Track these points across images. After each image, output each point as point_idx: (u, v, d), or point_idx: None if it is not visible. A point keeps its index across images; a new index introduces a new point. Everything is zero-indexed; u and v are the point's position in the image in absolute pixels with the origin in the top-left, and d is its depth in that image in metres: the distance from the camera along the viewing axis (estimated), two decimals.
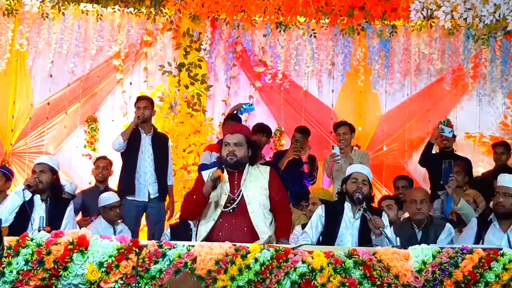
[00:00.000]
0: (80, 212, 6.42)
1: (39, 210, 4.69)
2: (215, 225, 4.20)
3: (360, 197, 4.32)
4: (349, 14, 7.46)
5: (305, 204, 6.17)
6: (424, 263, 3.48)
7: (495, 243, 4.35)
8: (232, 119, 6.35)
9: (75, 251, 3.52)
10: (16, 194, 4.68)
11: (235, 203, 4.21)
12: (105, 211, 5.57)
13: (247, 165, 4.31)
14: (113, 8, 7.64)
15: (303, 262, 3.44)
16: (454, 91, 7.89)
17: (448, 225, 4.88)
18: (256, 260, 3.44)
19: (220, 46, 7.93)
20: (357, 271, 3.45)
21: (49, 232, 3.67)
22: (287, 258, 3.46)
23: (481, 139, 7.69)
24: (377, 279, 3.43)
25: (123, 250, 3.51)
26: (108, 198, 5.61)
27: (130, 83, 7.90)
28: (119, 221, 5.67)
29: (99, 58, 7.88)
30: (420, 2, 5.27)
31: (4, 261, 3.50)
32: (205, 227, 4.24)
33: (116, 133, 6.37)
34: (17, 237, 3.61)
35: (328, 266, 3.43)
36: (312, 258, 3.47)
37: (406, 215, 5.20)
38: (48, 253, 3.51)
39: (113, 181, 6.53)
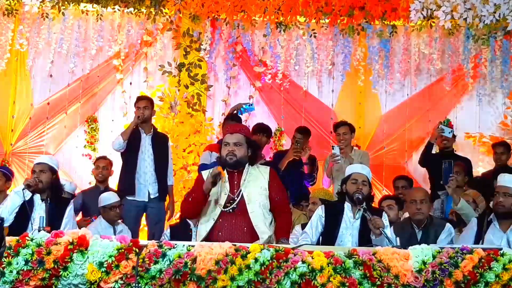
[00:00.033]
0: (80, 212, 6.42)
1: (39, 210, 4.69)
2: (215, 225, 4.20)
3: (360, 197, 4.33)
4: (349, 14, 7.46)
5: (305, 204, 6.17)
6: (424, 263, 3.48)
7: (495, 243, 4.36)
8: (232, 119, 6.35)
9: (75, 251, 3.52)
10: (16, 194, 4.68)
11: (234, 203, 4.21)
12: (105, 211, 5.57)
13: (247, 165, 4.31)
14: (113, 8, 7.64)
15: (303, 262, 3.44)
16: (454, 91, 7.89)
17: (448, 225, 4.88)
18: (256, 260, 3.44)
19: (220, 46, 7.93)
20: (357, 271, 3.45)
21: (49, 232, 3.67)
22: (287, 258, 3.46)
23: (481, 139, 7.69)
24: (377, 279, 3.43)
25: (123, 250, 3.51)
26: (108, 198, 5.61)
27: (130, 83, 7.90)
28: (119, 221, 5.67)
29: (99, 58, 7.88)
30: (420, 2, 5.27)
31: (4, 261, 3.50)
32: (205, 226, 4.24)
33: (116, 133, 6.38)
34: (17, 237, 3.61)
35: (328, 266, 3.43)
36: (312, 258, 3.47)
37: (406, 215, 5.20)
38: (48, 253, 3.51)
39: (113, 181, 6.53)
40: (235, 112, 6.88)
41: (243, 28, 7.77)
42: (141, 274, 3.46)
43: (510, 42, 7.49)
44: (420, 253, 3.53)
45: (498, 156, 6.76)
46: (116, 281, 3.46)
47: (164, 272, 3.45)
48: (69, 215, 4.81)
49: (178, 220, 6.06)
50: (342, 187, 4.56)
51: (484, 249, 3.57)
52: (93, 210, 6.03)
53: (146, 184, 6.01)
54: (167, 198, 6.26)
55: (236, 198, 4.22)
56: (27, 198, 4.65)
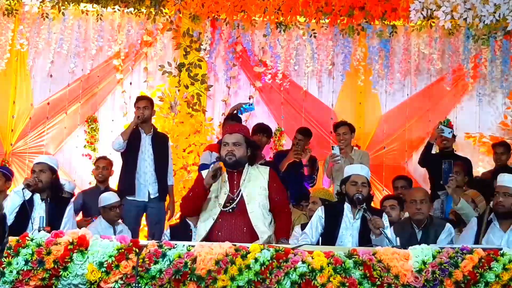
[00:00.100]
0: (81, 212, 6.43)
1: (39, 210, 4.69)
2: (215, 225, 4.20)
3: (360, 197, 4.33)
4: (349, 14, 7.46)
5: (305, 204, 6.18)
6: (424, 263, 3.48)
7: (495, 243, 4.36)
8: (232, 119, 6.35)
9: (75, 251, 3.52)
10: (16, 194, 4.68)
11: (234, 203, 4.21)
12: (105, 211, 5.57)
13: (246, 165, 4.31)
14: (113, 8, 7.64)
15: (303, 262, 3.44)
16: (454, 91, 7.89)
17: (448, 225, 4.88)
18: (256, 260, 3.44)
19: (220, 46, 7.93)
20: (357, 271, 3.45)
21: (49, 232, 3.67)
22: (287, 258, 3.46)
23: (481, 139, 7.69)
24: (377, 279, 3.43)
25: (123, 250, 3.51)
26: (108, 198, 5.61)
27: (130, 83, 7.90)
28: (119, 221, 5.67)
29: (99, 58, 7.88)
30: (420, 2, 5.27)
31: (4, 261, 3.50)
32: (204, 225, 4.24)
33: (116, 133, 6.38)
34: (17, 237, 3.61)
35: (328, 266, 3.43)
36: (312, 258, 3.47)
37: (407, 215, 5.20)
38: (48, 253, 3.50)
39: (114, 181, 6.53)
40: (235, 112, 6.88)
41: (243, 28, 7.77)
42: (141, 274, 3.46)
43: (510, 42, 7.49)
44: (420, 253, 3.53)
45: (498, 156, 6.76)
46: (116, 281, 3.46)
47: (164, 272, 3.45)
48: (69, 214, 4.81)
49: (178, 220, 6.06)
50: (342, 188, 4.56)
51: (484, 249, 3.57)
52: (94, 210, 6.03)
53: (146, 184, 6.01)
54: (167, 198, 6.26)
55: (235, 198, 4.23)
56: (26, 198, 4.65)
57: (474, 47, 7.59)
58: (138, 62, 7.94)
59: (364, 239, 4.24)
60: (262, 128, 6.68)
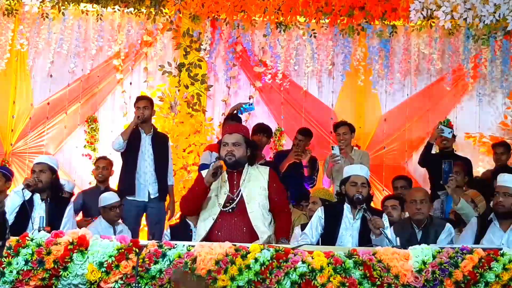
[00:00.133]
0: (81, 212, 6.42)
1: (39, 210, 4.69)
2: (214, 225, 4.20)
3: (360, 197, 4.33)
4: (349, 14, 7.46)
5: (305, 204, 6.17)
6: (424, 263, 3.49)
7: (495, 243, 4.36)
8: (232, 119, 6.35)
9: (75, 251, 3.52)
10: (16, 194, 4.68)
11: (234, 203, 4.21)
12: (105, 211, 5.57)
13: (246, 165, 4.31)
14: (113, 8, 7.64)
15: (303, 262, 3.44)
16: (454, 91, 7.88)
17: (448, 225, 4.88)
18: (256, 260, 3.44)
19: (220, 46, 7.93)
20: (357, 271, 3.45)
21: (49, 232, 3.67)
22: (287, 258, 3.46)
23: (481, 139, 7.69)
24: (377, 279, 3.43)
25: (123, 250, 3.51)
26: (108, 198, 5.61)
27: (130, 83, 7.90)
28: (119, 221, 5.67)
29: (99, 58, 7.88)
30: (420, 2, 5.27)
31: (4, 261, 3.50)
32: (204, 225, 4.24)
33: (116, 133, 6.38)
34: (17, 237, 3.61)
35: (328, 266, 3.43)
36: (312, 258, 3.47)
37: (407, 215, 5.20)
38: (48, 253, 3.51)
39: (114, 181, 6.53)
40: (235, 112, 6.88)
41: (243, 28, 7.77)
42: (141, 274, 3.46)
43: (510, 42, 7.48)
44: (420, 253, 3.53)
45: (498, 156, 6.76)
46: (116, 281, 3.47)
47: (164, 272, 3.45)
48: (69, 214, 4.81)
49: (178, 220, 6.06)
50: (341, 188, 4.56)
51: (484, 249, 3.57)
52: (94, 210, 6.03)
53: (146, 184, 6.01)
54: (167, 198, 6.26)
55: (235, 198, 4.22)
56: (26, 198, 4.65)
57: (474, 47, 7.59)
58: (138, 62, 7.94)
59: (364, 239, 4.23)
60: (262, 128, 6.68)
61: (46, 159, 5.00)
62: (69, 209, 4.84)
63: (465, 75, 7.72)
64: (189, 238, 5.21)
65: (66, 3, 7.53)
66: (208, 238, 4.15)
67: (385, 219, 4.34)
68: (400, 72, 7.84)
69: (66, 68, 7.76)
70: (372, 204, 4.76)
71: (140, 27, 7.75)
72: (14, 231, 4.12)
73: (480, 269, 3.46)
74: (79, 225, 5.65)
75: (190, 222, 5.50)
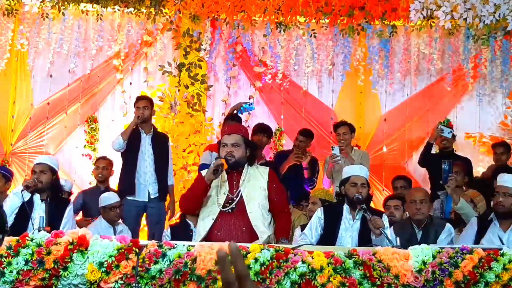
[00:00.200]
0: (81, 212, 6.43)
1: (39, 210, 4.69)
2: (214, 225, 4.20)
3: (360, 197, 4.33)
4: (349, 14, 7.46)
5: (305, 204, 6.17)
6: (424, 263, 3.49)
7: (495, 243, 4.36)
8: (232, 119, 6.34)
9: (75, 251, 3.52)
10: (15, 195, 4.68)
11: (234, 203, 4.21)
12: (105, 211, 5.57)
13: (246, 165, 4.31)
14: (113, 8, 7.64)
15: (303, 262, 3.44)
16: (454, 91, 7.88)
17: (448, 225, 4.88)
18: (256, 260, 3.44)
19: (220, 46, 7.93)
20: (357, 271, 3.45)
21: (49, 232, 3.67)
22: (287, 258, 3.46)
23: (481, 139, 7.69)
24: (377, 279, 3.43)
25: (123, 250, 3.51)
26: (108, 198, 5.61)
27: (130, 83, 7.90)
28: (119, 221, 5.67)
29: (99, 58, 7.88)
30: (420, 2, 5.27)
31: (4, 261, 3.50)
32: (203, 224, 4.24)
33: (116, 133, 6.37)
34: (17, 237, 3.61)
35: (328, 266, 3.43)
36: (312, 258, 3.47)
37: (407, 214, 5.20)
38: (48, 253, 3.51)
39: (114, 181, 6.53)
40: (235, 112, 6.87)
41: (243, 28, 7.77)
42: (141, 274, 3.46)
43: (510, 42, 7.48)
44: (420, 253, 3.53)
45: (498, 156, 6.76)
46: (116, 281, 3.47)
47: (164, 272, 3.45)
48: (69, 215, 4.82)
49: (178, 220, 6.06)
50: (341, 189, 4.56)
51: (484, 249, 3.57)
52: (94, 210, 6.03)
53: (146, 184, 6.01)
54: (168, 198, 6.26)
55: (235, 198, 4.22)
56: (26, 199, 4.65)
57: (474, 47, 7.58)
58: (138, 62, 7.94)
59: (364, 240, 4.23)
60: (262, 128, 6.67)
61: (47, 160, 5.01)
62: (69, 210, 4.85)
63: (465, 75, 7.72)
64: (189, 238, 5.21)
65: (66, 3, 7.53)
66: (207, 238, 4.15)
67: (385, 219, 4.34)
68: (400, 72, 7.84)
69: (66, 68, 7.76)
70: (372, 205, 4.76)
71: (140, 27, 7.75)
72: (14, 232, 4.13)
73: (480, 269, 3.46)
74: (79, 224, 5.66)
75: (190, 222, 5.49)
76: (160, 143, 6.15)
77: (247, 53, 7.87)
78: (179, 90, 7.64)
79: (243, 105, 6.87)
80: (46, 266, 3.48)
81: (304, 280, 3.40)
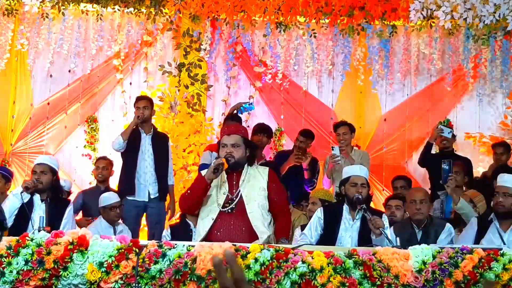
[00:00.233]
0: (81, 211, 6.42)
1: (39, 210, 4.69)
2: (214, 225, 4.20)
3: (360, 197, 4.33)
4: (349, 14, 7.46)
5: (305, 204, 6.17)
6: (424, 263, 3.49)
7: (495, 243, 4.36)
8: (232, 119, 6.34)
9: (75, 251, 3.52)
10: (15, 197, 4.67)
11: (233, 203, 4.21)
12: (105, 211, 5.57)
13: (245, 165, 4.31)
14: (113, 8, 7.64)
15: (303, 262, 3.44)
16: (454, 91, 7.88)
17: (448, 225, 4.88)
18: (256, 260, 3.44)
19: (220, 46, 7.93)
20: (357, 271, 3.45)
21: (49, 232, 3.67)
22: (287, 258, 3.46)
23: (481, 139, 7.69)
24: (377, 279, 3.43)
25: (123, 250, 3.51)
26: (108, 198, 5.61)
27: (130, 83, 7.90)
28: (119, 221, 5.67)
29: (99, 58, 7.88)
30: (420, 2, 5.27)
31: (4, 261, 3.50)
32: (203, 224, 4.23)
33: (116, 133, 6.38)
34: (17, 237, 3.61)
35: (328, 266, 3.43)
36: (312, 258, 3.47)
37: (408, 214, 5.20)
38: (48, 253, 3.51)
39: (114, 181, 6.53)
40: (235, 111, 6.87)
41: (243, 28, 7.76)
42: (141, 274, 3.46)
43: (510, 42, 7.48)
44: (420, 253, 3.53)
45: (498, 156, 6.76)
46: (116, 281, 3.47)
47: (164, 272, 3.45)
48: (69, 215, 4.81)
49: (178, 220, 6.06)
50: (341, 189, 4.56)
51: (484, 249, 3.57)
52: (94, 210, 6.03)
53: (146, 184, 6.01)
54: (168, 198, 6.26)
55: (234, 199, 4.22)
56: (25, 200, 4.65)
57: (474, 47, 7.58)
58: (138, 62, 7.94)
59: (364, 240, 4.23)
60: (262, 128, 6.67)
61: (48, 160, 4.99)
62: (69, 210, 4.85)
63: (465, 75, 7.71)
64: (189, 238, 5.20)
65: (66, 3, 7.53)
66: (207, 238, 4.14)
67: (385, 219, 4.34)
68: (400, 72, 7.84)
69: (66, 68, 7.76)
70: (372, 205, 4.76)
71: (140, 27, 7.75)
72: (14, 233, 4.14)
73: (480, 269, 3.46)
74: (79, 224, 5.66)
75: (190, 222, 5.49)
76: (160, 143, 6.15)
77: (247, 53, 7.87)
78: (179, 90, 7.64)
79: (243, 105, 6.87)
80: (46, 266, 3.48)
81: (304, 280, 3.40)
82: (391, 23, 7.63)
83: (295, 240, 5.04)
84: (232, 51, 7.79)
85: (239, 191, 4.23)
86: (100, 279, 3.47)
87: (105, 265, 3.48)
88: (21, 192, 4.62)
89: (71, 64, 7.69)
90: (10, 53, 7.64)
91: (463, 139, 7.65)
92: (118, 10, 7.65)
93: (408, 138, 7.88)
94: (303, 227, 4.93)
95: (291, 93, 7.94)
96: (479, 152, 7.71)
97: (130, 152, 6.00)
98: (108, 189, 6.25)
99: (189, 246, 3.57)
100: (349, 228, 4.41)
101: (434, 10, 5.31)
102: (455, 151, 7.02)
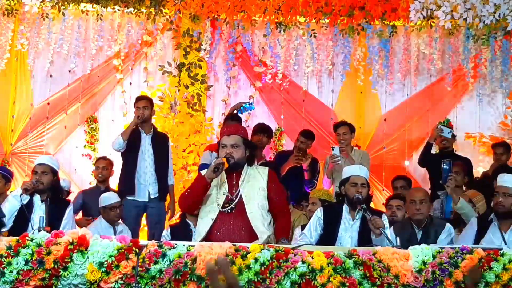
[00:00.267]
0: (81, 211, 6.42)
1: (39, 211, 4.69)
2: (214, 225, 4.20)
3: (360, 197, 4.33)
4: (349, 14, 7.46)
5: (305, 204, 6.17)
6: (424, 263, 3.48)
7: (495, 243, 4.36)
8: (232, 119, 6.34)
9: (75, 251, 3.52)
10: (14, 198, 4.67)
11: (233, 204, 4.21)
12: (105, 212, 5.57)
13: (245, 165, 4.31)
14: (113, 8, 7.64)
15: (303, 262, 3.44)
16: (454, 91, 7.89)
17: (448, 225, 4.88)
18: (256, 260, 3.44)
19: (220, 46, 7.93)
20: (357, 271, 3.45)
21: (49, 232, 3.67)
22: (287, 258, 3.46)
23: (481, 139, 7.69)
24: (377, 279, 3.43)
25: (123, 250, 3.51)
26: (109, 198, 5.61)
27: (130, 83, 7.90)
28: (120, 221, 5.67)
29: (99, 58, 7.88)
30: (420, 2, 5.27)
31: (4, 261, 3.50)
32: (203, 224, 4.23)
33: (116, 133, 6.38)
34: (17, 237, 3.61)
35: (328, 266, 3.43)
36: (312, 258, 3.47)
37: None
38: (48, 253, 3.51)
39: (114, 181, 6.53)
40: (235, 111, 6.87)
41: (243, 28, 7.77)
42: (141, 274, 3.46)
43: (510, 42, 7.48)
44: (420, 253, 3.53)
45: (498, 156, 6.76)
46: (116, 281, 3.46)
47: (164, 272, 3.45)
48: (69, 216, 4.81)
49: (178, 220, 6.06)
50: (341, 189, 4.56)
51: (484, 249, 3.57)
52: (94, 210, 6.03)
53: (146, 184, 6.01)
54: (168, 198, 6.26)
55: (234, 199, 4.22)
56: (24, 202, 4.64)
57: (474, 47, 7.58)
58: (138, 62, 7.94)
59: (364, 240, 4.23)
60: (262, 128, 6.66)
61: (49, 161, 4.97)
62: (69, 211, 4.84)
63: (465, 75, 7.72)
64: (189, 238, 5.20)
65: (66, 3, 7.53)
66: (207, 238, 4.14)
67: (384, 219, 4.34)
68: (400, 72, 7.84)
69: (66, 68, 7.77)
70: (372, 205, 4.76)
71: (140, 27, 7.75)
72: (13, 234, 4.14)
73: (480, 269, 3.46)
74: (79, 223, 5.66)
75: (190, 222, 5.49)
76: (160, 143, 6.15)
77: (247, 53, 7.87)
78: (179, 90, 7.64)
79: (243, 105, 6.87)
80: (46, 266, 3.48)
81: (304, 280, 3.40)
82: (391, 23, 7.64)
83: (295, 239, 5.04)
84: (232, 51, 7.79)
85: (239, 191, 4.23)
86: (100, 279, 3.47)
87: (105, 265, 3.48)
88: (21, 195, 4.62)
89: (71, 64, 7.69)
90: (10, 53, 7.65)
91: (463, 139, 7.65)
92: (118, 10, 7.66)
93: (408, 138, 7.88)
94: (303, 227, 4.93)
95: (291, 93, 7.94)
96: (479, 152, 7.71)
97: (130, 152, 6.00)
98: (108, 189, 6.25)
99: (189, 246, 3.57)
100: (349, 228, 4.41)
101: (434, 10, 5.31)
102: (455, 151, 7.02)
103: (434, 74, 7.86)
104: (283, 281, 3.40)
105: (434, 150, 6.86)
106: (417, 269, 3.47)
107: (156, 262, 3.48)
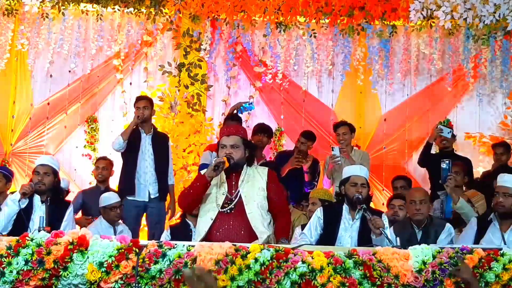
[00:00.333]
0: (80, 211, 6.42)
1: (39, 212, 4.68)
2: (213, 225, 4.20)
3: (360, 197, 4.33)
4: (349, 14, 7.46)
5: (305, 204, 6.17)
6: (424, 263, 3.48)
7: (495, 243, 4.36)
8: (232, 119, 6.34)
9: (75, 251, 3.52)
10: (13, 203, 4.66)
11: (232, 204, 4.21)
12: (106, 212, 5.57)
13: (245, 166, 4.31)
14: (113, 8, 7.64)
15: (303, 262, 3.44)
16: (454, 91, 7.89)
17: (448, 225, 4.88)
18: (256, 260, 3.44)
19: (220, 46, 7.93)
20: (357, 271, 3.45)
21: (49, 232, 3.67)
22: (287, 258, 3.46)
23: (481, 139, 7.69)
24: (377, 279, 3.43)
25: (123, 250, 3.51)
26: (109, 198, 5.61)
27: (130, 83, 7.90)
28: (120, 221, 5.67)
29: (99, 58, 7.88)
30: (420, 2, 5.27)
31: (4, 261, 3.50)
32: (202, 224, 4.23)
33: (116, 133, 6.38)
34: (17, 237, 3.61)
35: (328, 266, 3.43)
36: (312, 258, 3.47)
37: None
38: (48, 253, 3.51)
39: (114, 181, 6.53)
40: (235, 111, 6.87)
41: (243, 28, 7.77)
42: (141, 274, 3.46)
43: (510, 42, 7.48)
44: (420, 253, 3.53)
45: (498, 156, 6.76)
46: (116, 281, 3.46)
47: (164, 272, 3.45)
48: (69, 217, 4.81)
49: (178, 220, 6.06)
50: (341, 189, 4.56)
51: (484, 249, 3.57)
52: (94, 210, 6.03)
53: (146, 184, 6.01)
54: (168, 198, 6.26)
55: (234, 199, 4.22)
56: (23, 206, 4.64)
57: (474, 47, 7.58)
58: (138, 62, 7.94)
59: (364, 240, 4.23)
60: (262, 128, 6.67)
61: (50, 161, 4.95)
62: (69, 212, 4.84)
63: (465, 75, 7.72)
64: (189, 238, 5.20)
65: (66, 3, 7.53)
66: (207, 238, 4.14)
67: (384, 219, 4.34)
68: (400, 72, 7.84)
69: (66, 68, 7.77)
70: (372, 205, 4.76)
71: (140, 27, 7.75)
72: (13, 235, 4.13)
73: (480, 269, 3.46)
74: (79, 223, 5.66)
75: (190, 222, 5.49)
76: (160, 143, 6.15)
77: (247, 53, 7.87)
78: (179, 90, 7.64)
79: (243, 104, 6.87)
80: (46, 266, 3.48)
81: (304, 280, 3.40)
82: (391, 23, 7.64)
83: (295, 238, 5.04)
84: (232, 51, 7.80)
85: (238, 191, 4.23)
86: (100, 279, 3.47)
87: (105, 265, 3.48)
88: (19, 200, 4.62)
89: (71, 64, 7.69)
90: (10, 53, 7.65)
91: (463, 139, 7.66)
92: (118, 10, 7.66)
93: (408, 138, 7.88)
94: (303, 227, 4.93)
95: (291, 93, 7.94)
96: (479, 152, 7.71)
97: (130, 152, 6.00)
98: (108, 189, 6.25)
99: (189, 246, 3.57)
100: (349, 228, 4.41)
101: (434, 10, 5.31)
102: (455, 151, 7.02)
103: (434, 74, 7.86)
104: (283, 281, 3.40)
105: (434, 150, 6.86)
106: (417, 269, 3.47)
107: (156, 262, 3.48)
